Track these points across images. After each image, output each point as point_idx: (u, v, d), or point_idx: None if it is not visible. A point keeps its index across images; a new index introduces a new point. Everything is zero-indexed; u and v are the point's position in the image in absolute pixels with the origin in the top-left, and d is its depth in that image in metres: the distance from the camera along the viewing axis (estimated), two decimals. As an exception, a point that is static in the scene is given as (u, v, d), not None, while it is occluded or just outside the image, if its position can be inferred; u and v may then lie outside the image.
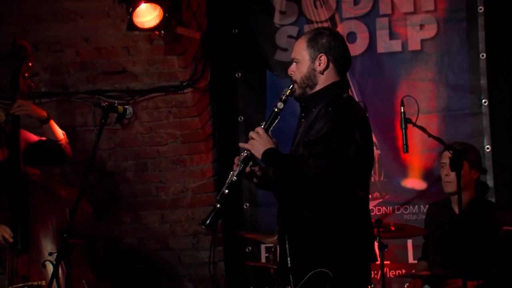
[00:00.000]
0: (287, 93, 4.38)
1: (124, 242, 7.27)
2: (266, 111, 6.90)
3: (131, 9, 6.09)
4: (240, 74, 7.03)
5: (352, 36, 6.78)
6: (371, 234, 4.44)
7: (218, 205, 4.29)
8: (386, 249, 5.67)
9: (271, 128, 4.34)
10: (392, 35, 6.71)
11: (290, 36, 6.88)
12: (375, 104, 6.53)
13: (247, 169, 4.35)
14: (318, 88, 4.36)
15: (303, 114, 4.45)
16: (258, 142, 4.28)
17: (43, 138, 5.93)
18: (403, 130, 5.19)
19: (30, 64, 5.95)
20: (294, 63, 4.42)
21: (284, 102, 4.38)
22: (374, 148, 6.54)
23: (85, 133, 6.94)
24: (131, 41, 6.55)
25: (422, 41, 6.66)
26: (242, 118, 7.01)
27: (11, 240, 5.51)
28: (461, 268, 5.10)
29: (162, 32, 6.24)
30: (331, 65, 4.35)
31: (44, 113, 5.87)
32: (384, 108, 6.62)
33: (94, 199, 6.33)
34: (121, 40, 6.56)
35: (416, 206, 6.62)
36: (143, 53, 6.61)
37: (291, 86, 4.40)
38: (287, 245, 4.31)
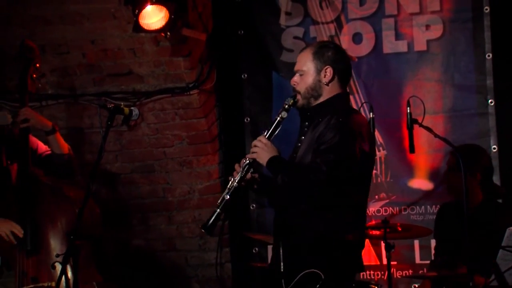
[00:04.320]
0: (290, 103, 4.50)
1: (131, 243, 7.27)
2: (272, 112, 6.90)
3: (137, 11, 6.11)
4: (246, 75, 7.04)
5: (358, 37, 6.78)
6: (362, 241, 4.57)
7: (218, 210, 4.37)
8: (393, 250, 5.67)
9: (273, 136, 4.45)
10: (398, 36, 6.71)
11: (296, 37, 6.88)
12: (381, 104, 6.53)
13: (248, 175, 4.45)
14: (322, 99, 4.50)
15: (306, 123, 4.56)
16: (263, 150, 4.38)
17: (50, 151, 5.91)
18: (409, 130, 5.18)
19: (37, 65, 5.96)
20: (298, 75, 4.54)
21: (288, 111, 4.48)
22: (381, 148, 6.63)
23: (91, 135, 6.94)
24: (137, 43, 6.56)
25: (428, 41, 6.65)
26: (248, 119, 7.02)
27: (21, 235, 5.51)
28: (468, 269, 5.08)
29: (168, 33, 6.24)
30: (336, 77, 4.50)
31: (50, 124, 5.85)
32: (390, 109, 6.61)
33: (101, 201, 6.33)
34: (127, 42, 6.58)
35: (423, 207, 6.61)
36: (149, 54, 6.62)
37: (294, 96, 4.51)
38: (281, 251, 4.40)
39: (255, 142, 4.43)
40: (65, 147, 5.91)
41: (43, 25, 6.51)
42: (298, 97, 4.52)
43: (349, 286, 4.45)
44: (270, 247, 6.86)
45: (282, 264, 4.39)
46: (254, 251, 6.95)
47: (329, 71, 4.48)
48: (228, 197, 4.38)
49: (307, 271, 4.26)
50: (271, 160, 4.35)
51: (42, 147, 5.90)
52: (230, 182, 4.43)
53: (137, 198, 7.18)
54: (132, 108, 4.77)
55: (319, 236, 4.31)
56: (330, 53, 4.51)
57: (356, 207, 4.42)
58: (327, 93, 4.50)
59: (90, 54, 6.70)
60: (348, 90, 4.61)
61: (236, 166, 4.49)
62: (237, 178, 4.41)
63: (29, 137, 5.75)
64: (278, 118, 4.46)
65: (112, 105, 4.76)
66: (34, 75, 5.91)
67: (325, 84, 4.49)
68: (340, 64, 4.53)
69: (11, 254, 5.57)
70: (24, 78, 5.85)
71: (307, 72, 4.51)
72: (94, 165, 4.65)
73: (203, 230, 4.36)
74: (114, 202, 7.12)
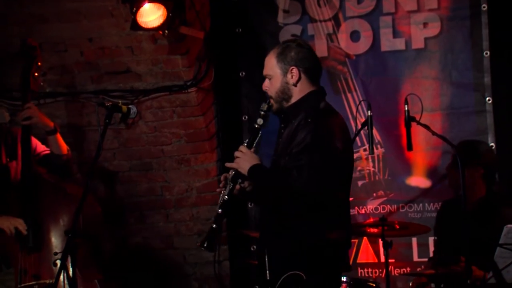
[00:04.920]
0: (265, 109, 4.52)
1: (129, 241, 7.28)
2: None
3: (134, 9, 6.10)
4: (244, 73, 7.04)
5: (355, 35, 6.79)
6: (348, 240, 4.55)
7: (214, 225, 4.42)
8: (390, 248, 5.67)
9: (254, 144, 4.49)
10: (395, 34, 6.71)
11: (293, 35, 6.88)
12: (379, 102, 6.54)
13: (237, 186, 4.46)
14: (294, 100, 4.50)
15: (282, 125, 4.58)
16: (243, 160, 4.40)
17: (48, 151, 5.92)
18: (407, 128, 5.19)
19: (39, 63, 5.98)
20: (267, 79, 4.54)
21: (263, 117, 4.50)
22: (379, 146, 6.63)
23: (89, 133, 6.94)
24: (135, 41, 6.56)
25: (426, 39, 6.66)
26: (246, 117, 7.02)
27: (25, 232, 5.52)
28: (467, 267, 5.08)
29: (166, 31, 6.24)
30: (303, 76, 4.48)
31: (51, 124, 5.87)
32: (388, 107, 6.62)
33: (99, 199, 6.33)
34: (125, 40, 6.57)
35: (421, 204, 6.62)
36: (147, 52, 6.62)
37: (268, 101, 4.52)
38: (266, 259, 4.45)
39: (236, 153, 4.44)
40: (64, 148, 5.92)
41: (40, 23, 6.51)
42: (272, 101, 4.52)
43: (333, 286, 4.44)
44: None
45: (268, 272, 4.45)
46: (252, 249, 6.94)
47: (295, 72, 4.47)
48: (220, 211, 4.43)
49: (289, 273, 4.27)
50: (251, 169, 4.37)
51: (41, 147, 5.91)
52: (221, 196, 4.46)
53: (135, 196, 7.19)
54: (130, 106, 4.78)
55: (303, 238, 4.31)
56: (293, 53, 4.48)
57: (338, 206, 4.40)
58: (297, 93, 4.49)
59: (88, 52, 6.70)
60: (317, 87, 4.53)
61: (222, 177, 4.53)
62: (227, 191, 4.44)
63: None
64: (256, 126, 4.49)
65: (110, 103, 4.76)
66: (36, 74, 5.93)
67: (293, 85, 4.48)
68: (306, 62, 4.49)
69: (11, 251, 5.59)
70: (27, 77, 5.88)
71: (274, 76, 4.50)
72: (92, 163, 4.66)
73: (203, 249, 4.39)
74: (112, 200, 7.12)
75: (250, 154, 4.42)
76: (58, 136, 5.90)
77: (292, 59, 4.46)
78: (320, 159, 4.24)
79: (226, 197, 4.42)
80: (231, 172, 4.45)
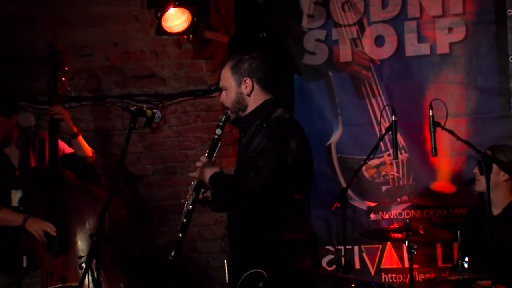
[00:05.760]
0: (223, 119, 4.69)
1: (153, 245, 7.29)
2: (294, 114, 6.88)
3: (159, 13, 6.13)
4: (268, 78, 7.02)
5: (380, 40, 6.77)
6: (309, 237, 4.66)
7: (180, 235, 4.56)
8: (414, 253, 5.64)
9: (215, 153, 4.65)
10: (420, 38, 6.69)
11: (318, 40, 6.88)
12: (403, 107, 6.50)
13: (200, 196, 4.63)
14: (250, 109, 4.66)
15: (242, 134, 4.74)
16: (204, 170, 4.55)
17: (72, 151, 5.98)
18: (432, 133, 5.17)
19: (66, 68, 6.04)
20: (224, 91, 4.71)
21: (222, 128, 4.69)
22: (403, 151, 6.61)
23: (114, 137, 6.98)
24: (159, 46, 6.59)
25: (451, 44, 6.63)
26: (270, 121, 7.01)
27: (54, 234, 5.57)
28: (491, 273, 5.05)
29: (191, 36, 6.26)
30: (256, 86, 4.65)
31: (75, 129, 5.95)
32: (413, 112, 6.58)
33: (123, 202, 6.35)
34: (150, 45, 6.60)
35: (445, 210, 6.59)
36: (171, 57, 6.64)
37: (226, 112, 4.69)
38: (225, 264, 4.67)
39: (197, 163, 4.60)
40: (88, 150, 5.98)
41: (66, 27, 6.55)
42: (229, 113, 4.68)
43: (294, 283, 4.52)
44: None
45: (227, 276, 4.64)
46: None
47: (248, 82, 4.63)
48: (185, 220, 4.58)
49: (250, 271, 4.40)
50: (211, 177, 4.50)
51: (68, 149, 5.97)
52: (185, 206, 4.61)
53: (159, 200, 7.21)
54: (154, 110, 4.79)
55: (263, 239, 4.45)
56: (246, 65, 4.64)
57: (295, 206, 4.54)
58: (252, 103, 4.64)
59: (113, 56, 6.73)
60: (272, 95, 4.68)
61: (189, 188, 4.65)
62: (190, 201, 4.61)
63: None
64: (215, 136, 4.64)
65: (135, 107, 4.78)
66: (63, 78, 5.98)
67: (247, 96, 4.64)
68: (258, 72, 4.64)
69: (38, 254, 5.63)
70: (54, 81, 5.94)
71: (229, 88, 4.68)
72: (117, 167, 4.67)
73: (170, 258, 4.53)
74: (136, 204, 7.14)
75: (210, 163, 4.58)
76: (81, 138, 5.96)
77: (246, 71, 4.64)
78: (275, 161, 4.37)
79: (190, 206, 4.60)
80: (194, 182, 4.61)
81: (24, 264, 5.77)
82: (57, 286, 5.51)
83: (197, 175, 4.58)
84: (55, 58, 5.98)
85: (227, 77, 4.68)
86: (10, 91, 6.10)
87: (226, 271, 4.67)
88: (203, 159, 4.59)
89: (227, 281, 4.65)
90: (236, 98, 4.65)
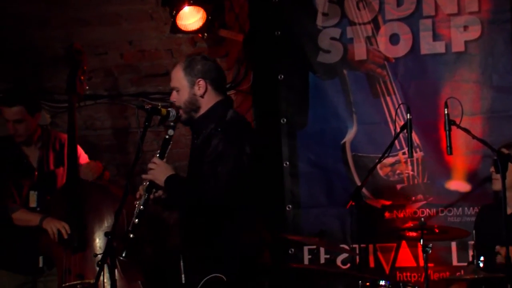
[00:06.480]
0: (174, 120, 4.71)
1: (169, 243, 7.30)
2: (309, 113, 6.90)
3: (174, 12, 6.14)
4: (282, 76, 7.02)
5: (395, 38, 6.75)
6: (261, 238, 4.77)
7: (131, 235, 4.58)
8: (429, 252, 5.63)
9: (166, 154, 4.69)
10: (435, 37, 6.66)
11: (332, 38, 6.86)
12: (418, 106, 6.47)
13: (151, 196, 4.65)
14: (203, 110, 4.73)
15: (195, 135, 4.80)
16: (158, 171, 4.62)
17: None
18: (447, 132, 5.15)
19: (85, 67, 6.06)
20: (175, 92, 4.74)
21: (173, 128, 4.72)
22: (418, 150, 6.59)
23: (130, 135, 6.99)
24: (174, 44, 6.60)
25: (466, 42, 6.60)
26: (285, 120, 7.01)
27: (65, 236, 5.60)
28: (507, 272, 5.03)
29: (205, 34, 6.28)
30: (209, 87, 4.71)
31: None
32: (428, 110, 6.56)
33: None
34: (165, 43, 6.62)
35: (460, 209, 6.57)
36: (186, 55, 6.65)
37: (177, 112, 4.73)
38: (181, 263, 4.71)
39: (149, 165, 4.63)
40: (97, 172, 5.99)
41: (81, 26, 6.58)
42: (181, 112, 4.72)
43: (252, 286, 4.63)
44: (306, 248, 6.87)
45: (183, 276, 4.69)
46: (290, 252, 6.94)
47: (201, 84, 4.68)
48: (137, 220, 4.59)
49: (210, 276, 4.48)
50: (167, 180, 4.57)
51: (84, 156, 6.00)
52: (137, 206, 4.62)
53: (174, 198, 7.20)
54: (169, 109, 4.80)
55: (220, 243, 4.55)
56: (199, 66, 4.69)
57: (251, 209, 4.64)
58: (205, 104, 4.71)
59: (128, 55, 6.76)
60: (224, 96, 4.78)
61: (140, 188, 4.67)
62: (142, 201, 4.62)
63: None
64: (167, 137, 4.68)
65: (150, 105, 4.79)
66: (82, 77, 6.01)
67: (201, 97, 4.70)
68: (211, 73, 4.71)
69: (56, 252, 5.66)
70: (73, 80, 5.97)
71: (182, 88, 4.72)
72: (131, 165, 4.69)
73: (122, 258, 4.55)
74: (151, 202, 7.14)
75: (164, 165, 4.63)
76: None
77: (199, 72, 4.69)
78: (233, 166, 4.48)
79: (141, 207, 4.61)
80: (145, 183, 4.63)
81: (40, 264, 5.81)
82: (74, 283, 5.54)
83: (151, 177, 4.61)
84: (74, 57, 6.01)
85: (180, 78, 4.72)
86: (31, 89, 6.15)
87: (182, 270, 4.71)
88: (156, 160, 4.63)
89: (183, 281, 4.69)
90: (189, 99, 4.71)
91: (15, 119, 5.78)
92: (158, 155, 4.65)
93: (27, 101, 5.83)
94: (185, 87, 4.70)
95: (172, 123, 4.69)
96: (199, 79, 4.68)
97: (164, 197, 4.71)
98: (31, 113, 5.83)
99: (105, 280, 4.74)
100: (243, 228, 4.61)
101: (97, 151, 6.99)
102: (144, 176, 4.63)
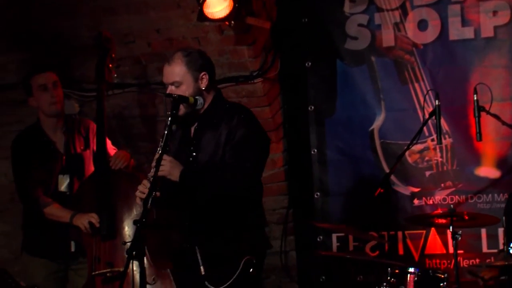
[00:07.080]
0: (174, 113, 4.69)
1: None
2: (337, 100, 6.89)
3: (201, 0, 6.14)
4: (310, 64, 7.01)
5: (423, 24, 6.71)
6: (262, 221, 5.00)
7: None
8: (459, 238, 5.60)
9: (168, 149, 4.66)
10: (464, 22, 6.61)
11: (360, 25, 6.83)
12: (447, 92, 6.45)
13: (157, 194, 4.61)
14: (207, 104, 4.82)
15: (197, 124, 4.86)
16: (171, 167, 4.64)
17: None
18: (477, 118, 5.14)
19: (113, 55, 6.10)
20: (173, 86, 4.76)
21: (177, 122, 4.77)
22: (446, 136, 6.56)
23: (157, 123, 7.01)
24: (201, 32, 6.60)
25: (495, 27, 6.54)
26: (312, 107, 7.00)
27: (97, 225, 5.64)
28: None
29: (232, 22, 6.26)
30: (209, 80, 4.83)
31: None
32: (456, 96, 6.53)
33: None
34: (192, 31, 6.62)
35: (490, 195, 6.53)
36: (213, 43, 6.65)
37: (175, 106, 4.70)
38: (198, 256, 4.76)
39: (162, 162, 4.57)
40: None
41: (109, 15, 6.60)
42: (182, 106, 4.72)
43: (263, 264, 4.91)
44: (334, 236, 6.87)
45: (202, 268, 4.73)
46: (318, 239, 6.94)
47: (205, 77, 4.79)
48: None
49: (245, 259, 4.67)
50: (182, 174, 4.63)
51: (111, 147, 6.03)
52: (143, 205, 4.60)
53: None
54: (197, 97, 4.81)
55: (249, 226, 4.75)
56: (201, 60, 4.81)
57: (259, 191, 4.87)
58: (208, 96, 4.84)
59: (155, 43, 6.76)
60: (217, 88, 5.02)
61: (145, 181, 4.68)
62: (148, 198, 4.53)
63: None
64: (166, 132, 4.63)
65: (177, 94, 4.79)
66: (111, 65, 6.05)
67: (204, 90, 4.80)
68: (211, 67, 4.88)
69: (86, 239, 5.70)
70: (102, 68, 6.01)
71: (185, 82, 4.76)
72: (160, 153, 4.69)
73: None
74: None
75: (173, 160, 4.67)
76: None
77: (202, 66, 4.80)
78: (259, 150, 4.75)
79: (148, 206, 4.54)
80: (150, 179, 4.58)
81: (72, 249, 5.86)
82: (104, 271, 5.58)
83: (165, 173, 4.61)
84: (102, 45, 6.05)
85: (183, 73, 4.76)
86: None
87: (201, 263, 4.74)
88: (165, 157, 4.61)
89: (202, 273, 4.72)
90: (194, 93, 4.76)
91: (53, 81, 5.92)
92: (160, 151, 4.62)
93: (57, 69, 6.04)
94: (189, 82, 4.76)
95: (171, 118, 4.65)
96: (203, 73, 4.78)
97: (160, 197, 4.67)
98: (61, 81, 5.99)
99: (134, 268, 4.76)
100: (262, 219, 4.85)
101: (125, 139, 7.02)
102: (160, 173, 4.59)
